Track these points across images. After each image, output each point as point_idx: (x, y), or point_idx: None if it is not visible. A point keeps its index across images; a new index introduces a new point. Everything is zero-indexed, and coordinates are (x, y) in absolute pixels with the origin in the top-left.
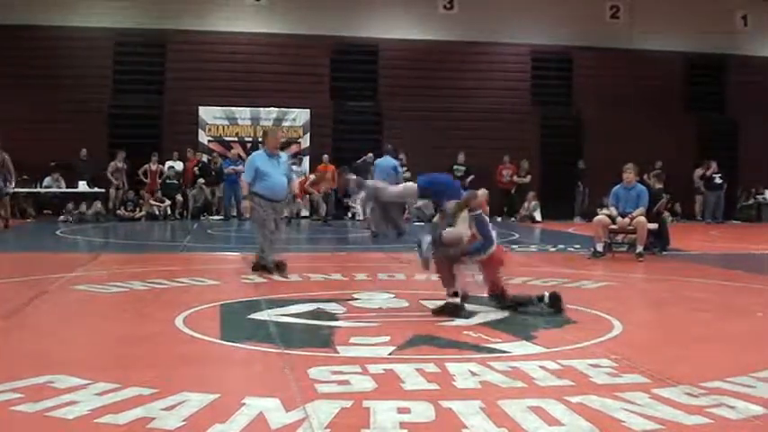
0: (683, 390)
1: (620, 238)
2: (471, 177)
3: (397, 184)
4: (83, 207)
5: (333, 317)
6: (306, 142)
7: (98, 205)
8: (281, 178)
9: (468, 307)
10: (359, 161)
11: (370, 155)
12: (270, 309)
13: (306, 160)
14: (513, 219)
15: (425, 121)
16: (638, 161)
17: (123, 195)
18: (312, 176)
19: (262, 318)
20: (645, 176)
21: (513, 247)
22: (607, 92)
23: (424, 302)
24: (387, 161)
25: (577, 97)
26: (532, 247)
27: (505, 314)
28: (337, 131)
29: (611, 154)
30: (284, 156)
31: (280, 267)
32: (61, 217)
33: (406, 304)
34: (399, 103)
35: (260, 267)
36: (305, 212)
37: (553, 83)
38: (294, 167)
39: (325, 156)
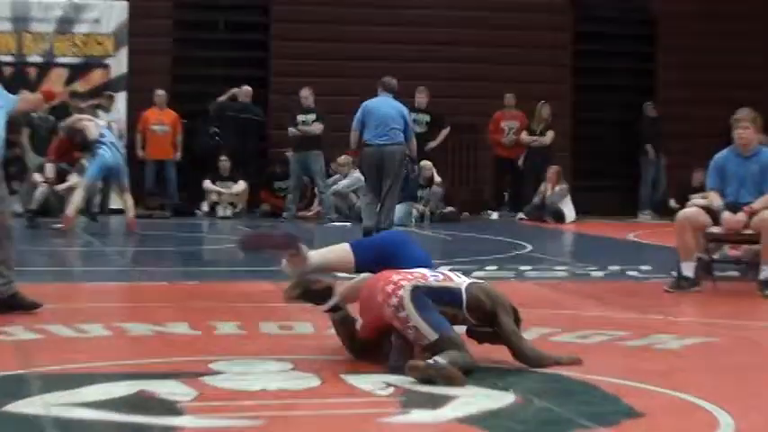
0: None
1: (727, 250)
2: (444, 133)
3: (410, 142)
4: None
5: (171, 408)
6: (120, 65)
7: None
8: None
9: (438, 387)
10: (220, 99)
11: (246, 88)
12: (48, 392)
13: (121, 99)
14: (519, 214)
15: (349, 28)
16: (758, 104)
17: None
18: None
19: (31, 411)
20: None
21: (523, 269)
22: None
23: (347, 379)
24: (387, 104)
25: None
26: (560, 271)
27: (508, 399)
28: (182, 47)
29: (708, 89)
30: None
31: (21, 305)
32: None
33: (316, 383)
34: None
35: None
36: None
37: None
38: (101, 114)
39: (160, 92)
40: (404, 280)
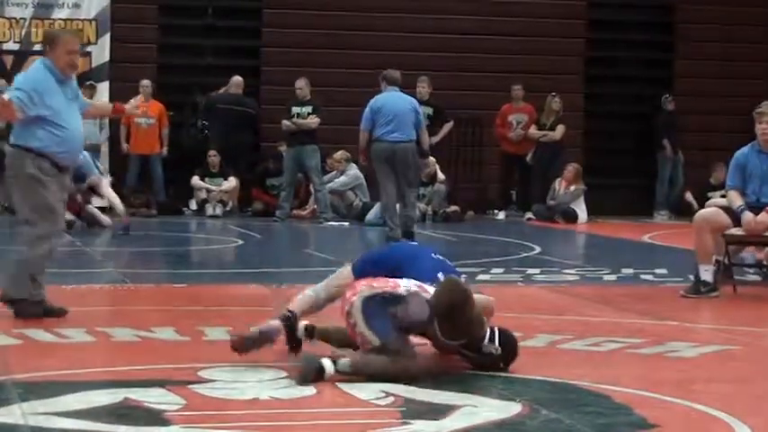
0: None
1: (748, 253)
2: (447, 128)
3: (422, 134)
4: None
5: (157, 418)
6: (102, 53)
7: None
8: (79, 125)
9: (445, 395)
10: (213, 94)
11: (237, 78)
12: (26, 401)
13: (103, 89)
14: (527, 214)
15: (346, 15)
16: None
17: None
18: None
19: (9, 421)
20: None
21: (531, 273)
22: None
23: (344, 388)
24: (397, 98)
25: None
26: (569, 274)
27: (514, 409)
28: (167, 34)
29: (730, 80)
30: (75, 83)
31: (49, 311)
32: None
33: (311, 392)
34: None
35: (29, 310)
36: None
37: None
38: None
39: (146, 82)
40: (366, 287)
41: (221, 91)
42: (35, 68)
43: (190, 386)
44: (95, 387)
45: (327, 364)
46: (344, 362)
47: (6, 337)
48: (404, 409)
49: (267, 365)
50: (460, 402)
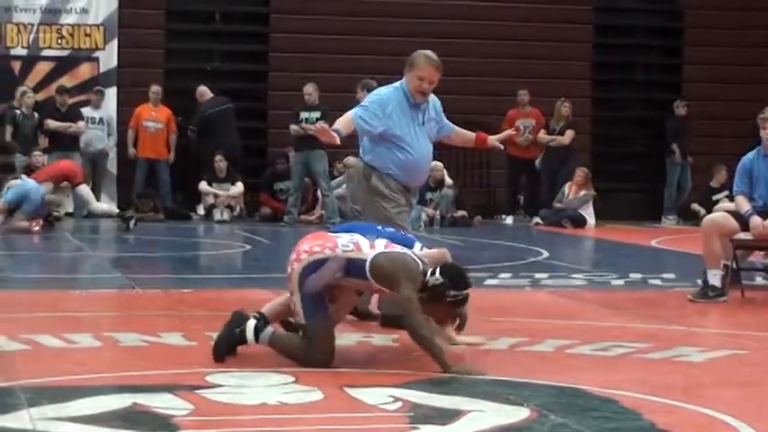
0: None
1: (758, 258)
2: None
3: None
4: None
5: (165, 423)
6: (110, 58)
7: None
8: (427, 151)
9: (452, 400)
10: (214, 110)
11: (201, 88)
12: (35, 406)
13: (111, 94)
14: (535, 219)
15: (354, 20)
16: None
17: None
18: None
19: (18, 426)
20: None
21: (539, 277)
22: None
23: (352, 392)
24: None
25: None
26: (577, 279)
27: (522, 415)
28: (175, 39)
29: (739, 86)
30: (435, 102)
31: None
32: None
33: (318, 396)
34: None
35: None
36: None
37: None
38: (90, 115)
39: (156, 88)
40: (307, 253)
41: (205, 100)
42: (389, 85)
43: (197, 391)
44: (103, 392)
45: (250, 333)
46: (266, 332)
47: (14, 343)
48: (412, 414)
49: (274, 370)
50: (468, 407)
